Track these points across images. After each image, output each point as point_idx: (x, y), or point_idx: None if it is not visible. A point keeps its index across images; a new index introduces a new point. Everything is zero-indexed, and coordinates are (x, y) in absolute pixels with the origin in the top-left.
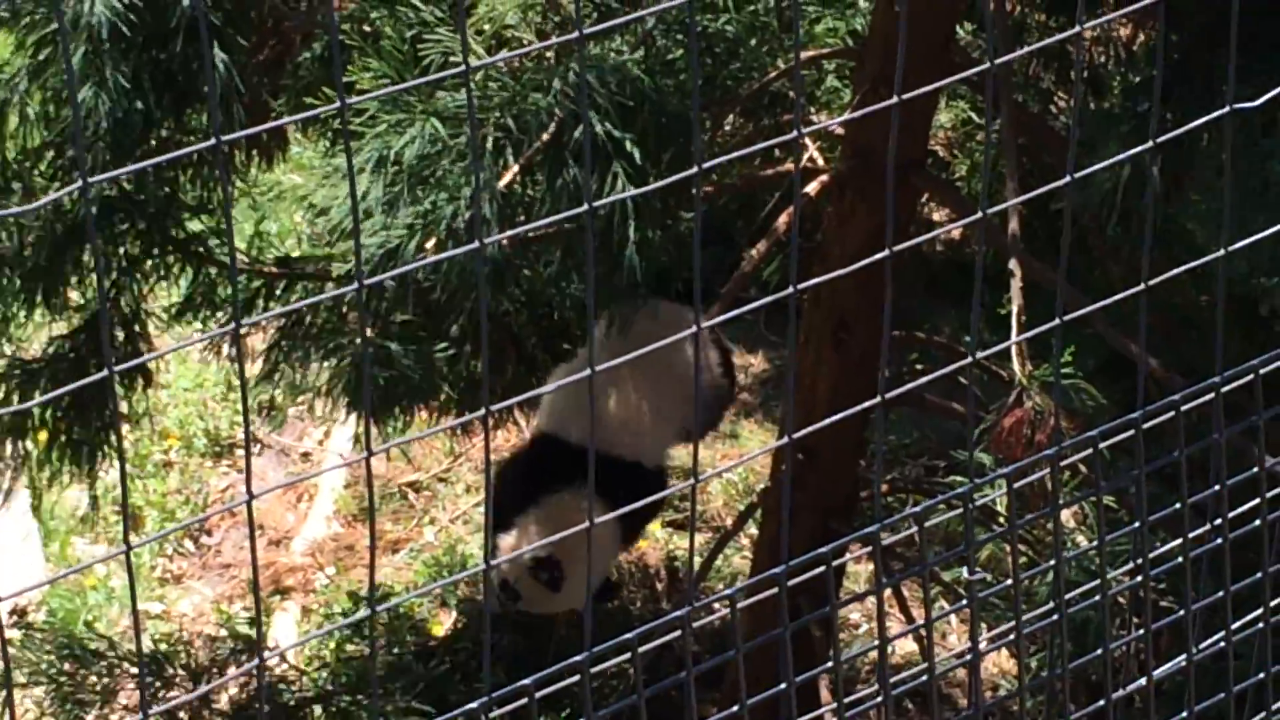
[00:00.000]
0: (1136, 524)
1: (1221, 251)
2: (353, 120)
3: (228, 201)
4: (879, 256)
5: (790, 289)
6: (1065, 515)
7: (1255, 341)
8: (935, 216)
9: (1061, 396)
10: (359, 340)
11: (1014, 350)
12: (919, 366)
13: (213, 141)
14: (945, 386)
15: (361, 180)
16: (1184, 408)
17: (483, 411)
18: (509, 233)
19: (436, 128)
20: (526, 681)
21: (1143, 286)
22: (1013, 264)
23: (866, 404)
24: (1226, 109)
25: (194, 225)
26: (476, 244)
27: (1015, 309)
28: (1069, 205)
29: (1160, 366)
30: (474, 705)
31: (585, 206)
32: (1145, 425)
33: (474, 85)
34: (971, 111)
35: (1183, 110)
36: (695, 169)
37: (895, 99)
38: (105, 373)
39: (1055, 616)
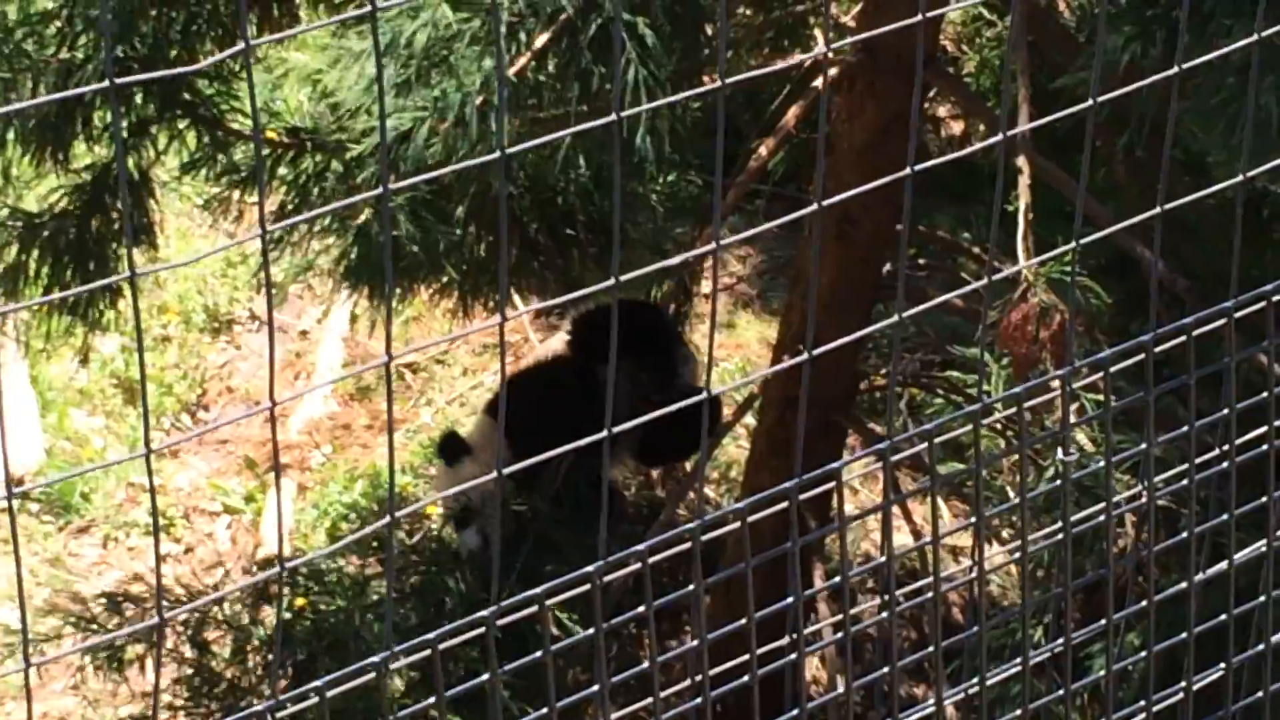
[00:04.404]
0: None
1: (1240, 178)
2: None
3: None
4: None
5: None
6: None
7: (1255, 247)
8: (940, 111)
9: (1069, 295)
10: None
11: (1020, 246)
12: (920, 261)
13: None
14: (944, 281)
15: (372, 62)
16: (1195, 333)
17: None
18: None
19: (447, 13)
20: (537, 591)
21: (1158, 210)
22: (1021, 161)
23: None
24: (1255, 37)
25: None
26: (498, 154)
27: (1023, 205)
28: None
29: (1165, 268)
30: (485, 613)
31: (614, 116)
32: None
33: None
34: (982, 7)
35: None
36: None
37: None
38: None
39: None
